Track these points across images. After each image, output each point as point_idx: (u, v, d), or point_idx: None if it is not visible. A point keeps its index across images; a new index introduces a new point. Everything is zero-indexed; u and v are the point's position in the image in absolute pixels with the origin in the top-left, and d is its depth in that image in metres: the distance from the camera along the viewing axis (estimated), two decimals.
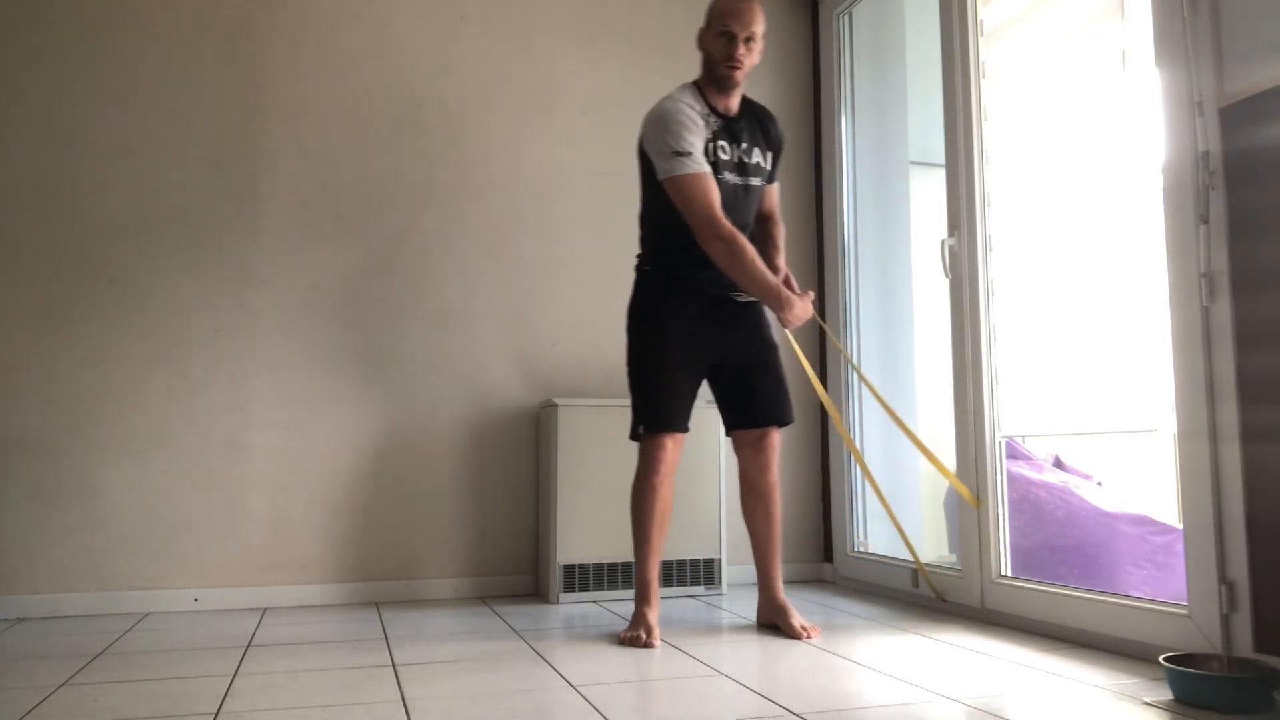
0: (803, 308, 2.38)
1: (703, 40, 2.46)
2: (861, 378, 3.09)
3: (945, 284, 2.81)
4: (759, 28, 2.41)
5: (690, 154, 2.35)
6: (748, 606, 2.88)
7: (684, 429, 2.47)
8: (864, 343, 3.37)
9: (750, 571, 3.36)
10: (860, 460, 2.95)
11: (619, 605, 2.90)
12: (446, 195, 3.22)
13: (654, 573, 2.46)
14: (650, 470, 2.43)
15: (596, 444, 2.98)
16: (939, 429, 3.04)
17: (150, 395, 2.93)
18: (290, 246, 3.07)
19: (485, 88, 3.29)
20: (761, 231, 2.64)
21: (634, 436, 2.48)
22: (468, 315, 3.21)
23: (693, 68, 2.62)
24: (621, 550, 3.01)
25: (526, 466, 3.22)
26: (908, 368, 3.39)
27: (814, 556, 3.47)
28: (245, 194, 3.05)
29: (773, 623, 2.51)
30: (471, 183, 3.25)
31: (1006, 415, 2.63)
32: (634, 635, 2.35)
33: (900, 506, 3.32)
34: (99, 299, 2.91)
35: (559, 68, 3.37)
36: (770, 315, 2.56)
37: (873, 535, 3.27)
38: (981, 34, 2.72)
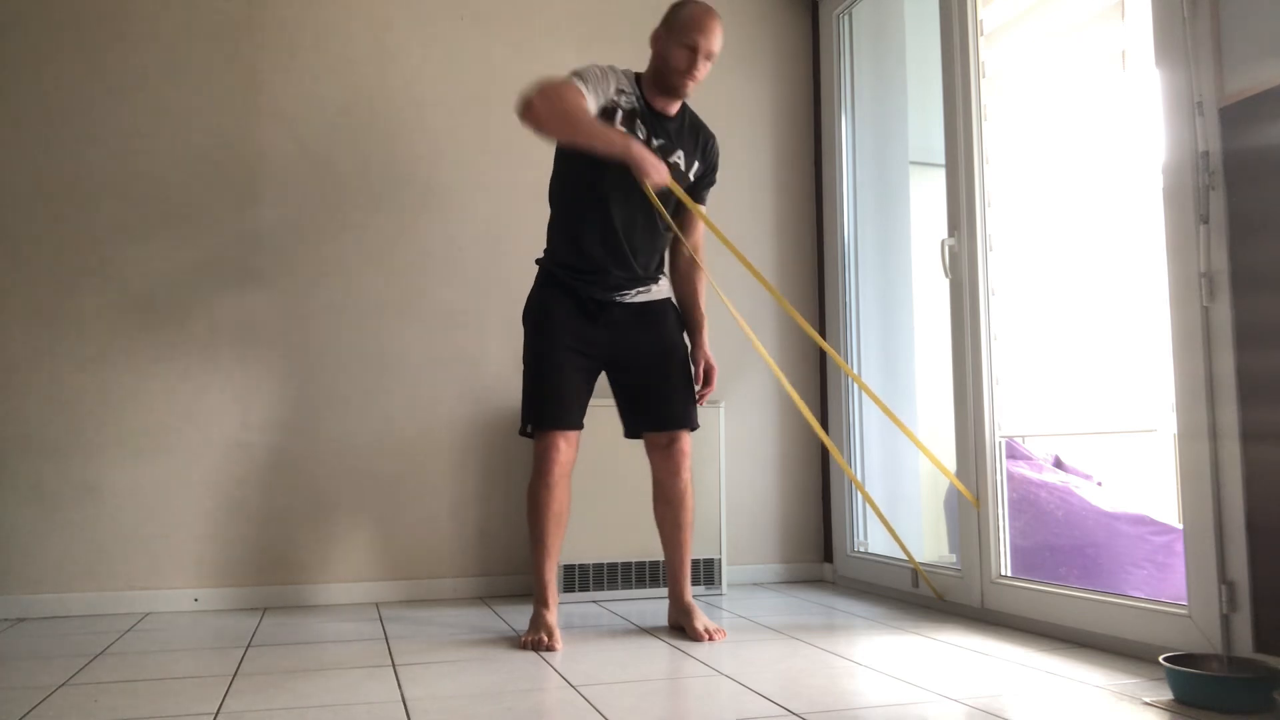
0: (657, 163, 2.31)
1: (658, 42, 2.42)
2: (846, 370, 3.08)
3: (945, 284, 2.81)
4: (719, 46, 2.39)
5: (585, 81, 2.34)
6: (749, 606, 2.88)
7: (574, 426, 2.43)
8: (864, 342, 3.37)
9: (752, 571, 3.36)
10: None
11: (619, 605, 2.90)
12: (446, 195, 3.22)
13: (551, 575, 2.41)
14: (544, 470, 2.38)
15: (596, 444, 2.98)
16: (939, 429, 3.04)
17: (150, 395, 2.93)
18: (289, 246, 3.07)
19: (485, 88, 3.29)
20: (684, 273, 2.60)
21: (523, 433, 2.44)
22: (468, 315, 3.20)
23: None
24: (622, 550, 3.01)
25: (526, 466, 3.21)
26: (908, 368, 3.39)
27: (814, 556, 3.47)
28: (245, 194, 3.05)
29: (679, 624, 2.50)
30: (471, 182, 3.25)
31: (1006, 415, 2.63)
32: (535, 639, 2.30)
33: (900, 506, 3.32)
34: (99, 299, 2.91)
35: (559, 68, 3.36)
36: (676, 317, 2.56)
37: (872, 535, 3.26)
38: (981, 34, 2.72)
